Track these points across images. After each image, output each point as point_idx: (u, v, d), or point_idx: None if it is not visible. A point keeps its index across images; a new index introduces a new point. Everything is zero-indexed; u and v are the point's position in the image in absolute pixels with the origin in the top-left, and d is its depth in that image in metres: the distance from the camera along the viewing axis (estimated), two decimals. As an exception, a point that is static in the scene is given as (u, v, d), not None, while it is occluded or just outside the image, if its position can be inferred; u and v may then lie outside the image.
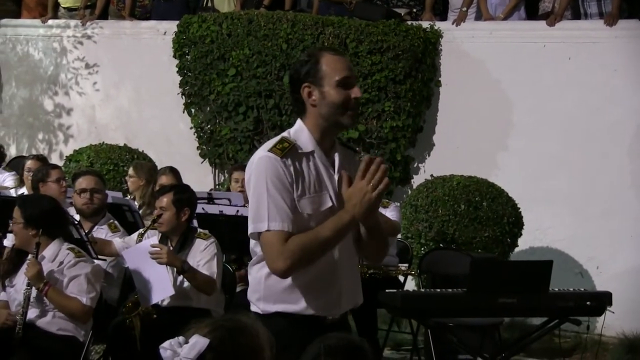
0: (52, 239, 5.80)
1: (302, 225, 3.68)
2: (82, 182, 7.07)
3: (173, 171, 8.38)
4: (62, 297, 5.67)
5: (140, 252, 6.34)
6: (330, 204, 3.75)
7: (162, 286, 6.26)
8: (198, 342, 2.44)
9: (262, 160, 3.70)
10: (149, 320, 6.16)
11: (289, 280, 3.71)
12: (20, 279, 5.76)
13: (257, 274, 3.81)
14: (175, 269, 6.22)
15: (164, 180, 8.18)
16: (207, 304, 6.34)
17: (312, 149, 3.77)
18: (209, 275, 6.21)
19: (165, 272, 6.23)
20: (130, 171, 8.56)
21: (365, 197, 3.59)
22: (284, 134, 3.82)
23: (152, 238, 6.44)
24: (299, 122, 3.83)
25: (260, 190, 3.68)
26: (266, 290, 3.77)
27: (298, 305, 3.74)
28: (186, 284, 6.28)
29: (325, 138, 3.81)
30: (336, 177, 3.79)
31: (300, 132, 3.79)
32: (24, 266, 5.70)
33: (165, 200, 6.40)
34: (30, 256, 5.69)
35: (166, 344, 2.46)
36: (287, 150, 3.70)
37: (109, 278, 6.68)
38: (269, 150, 3.71)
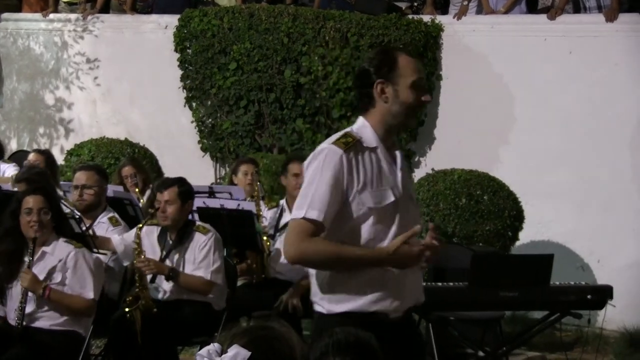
0: (55, 233, 5.80)
1: (362, 218, 3.72)
2: (77, 178, 7.07)
3: (134, 161, 8.47)
4: (65, 297, 5.66)
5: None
6: (392, 198, 3.78)
7: None
8: (239, 353, 2.37)
9: (324, 152, 3.74)
10: (150, 314, 6.16)
11: (353, 279, 3.74)
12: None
13: (321, 274, 3.81)
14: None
15: (126, 171, 8.21)
16: (208, 297, 6.35)
17: (376, 145, 3.81)
18: (203, 276, 6.25)
19: None
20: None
21: (409, 262, 3.72)
22: (347, 129, 3.87)
23: (152, 232, 6.47)
24: (361, 119, 3.88)
25: (312, 179, 3.73)
26: (330, 291, 3.78)
27: (363, 304, 3.75)
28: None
29: (388, 135, 3.86)
30: (399, 173, 3.83)
31: (364, 129, 3.84)
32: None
33: (170, 193, 6.38)
34: (24, 266, 5.62)
35: (203, 351, 2.39)
36: (351, 144, 3.74)
37: (110, 272, 6.68)
38: (332, 143, 3.76)
